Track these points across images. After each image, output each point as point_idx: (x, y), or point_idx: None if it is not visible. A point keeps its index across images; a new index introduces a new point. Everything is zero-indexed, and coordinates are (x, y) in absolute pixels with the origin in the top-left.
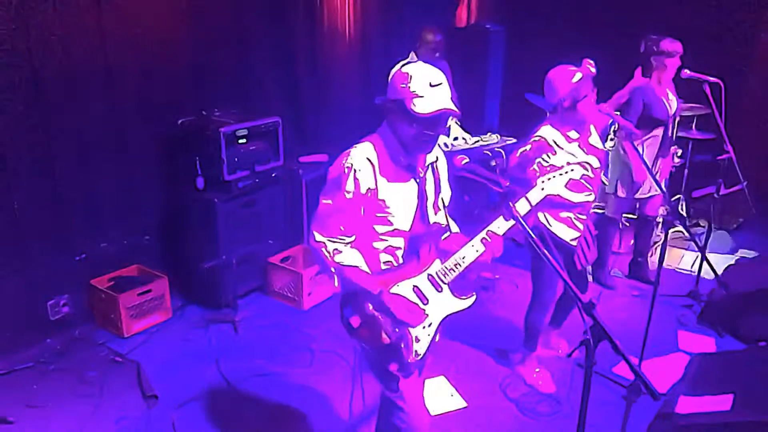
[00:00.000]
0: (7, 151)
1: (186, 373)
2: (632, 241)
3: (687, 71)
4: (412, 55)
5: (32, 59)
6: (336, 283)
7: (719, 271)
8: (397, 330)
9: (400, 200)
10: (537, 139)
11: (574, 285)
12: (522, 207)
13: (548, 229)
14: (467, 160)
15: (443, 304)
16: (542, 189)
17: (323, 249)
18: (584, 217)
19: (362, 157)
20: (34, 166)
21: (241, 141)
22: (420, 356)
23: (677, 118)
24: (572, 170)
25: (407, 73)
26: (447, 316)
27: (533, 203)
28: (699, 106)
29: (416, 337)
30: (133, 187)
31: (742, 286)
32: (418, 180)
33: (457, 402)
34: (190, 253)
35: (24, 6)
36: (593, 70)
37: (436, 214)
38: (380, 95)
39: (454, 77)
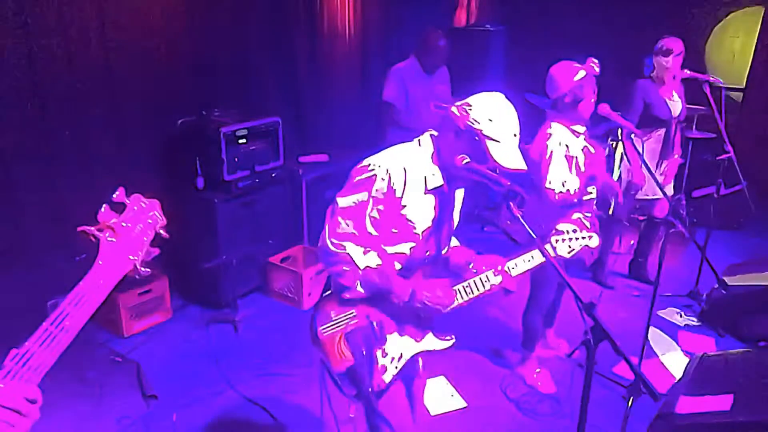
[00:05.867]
0: (7, 151)
1: (186, 373)
2: (632, 241)
3: (687, 71)
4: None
5: (32, 59)
6: (360, 287)
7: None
8: (364, 352)
9: (419, 221)
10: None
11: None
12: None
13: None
14: (468, 159)
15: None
16: (555, 248)
17: (349, 252)
18: (590, 214)
19: (397, 161)
20: (33, 166)
21: (241, 141)
22: (382, 388)
23: (682, 121)
24: (590, 238)
25: (494, 108)
26: (418, 353)
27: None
28: (700, 107)
29: (383, 366)
30: (133, 186)
31: (742, 286)
32: (439, 204)
33: (457, 402)
34: (190, 253)
35: (25, 6)
36: (597, 69)
37: (446, 240)
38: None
39: (454, 77)
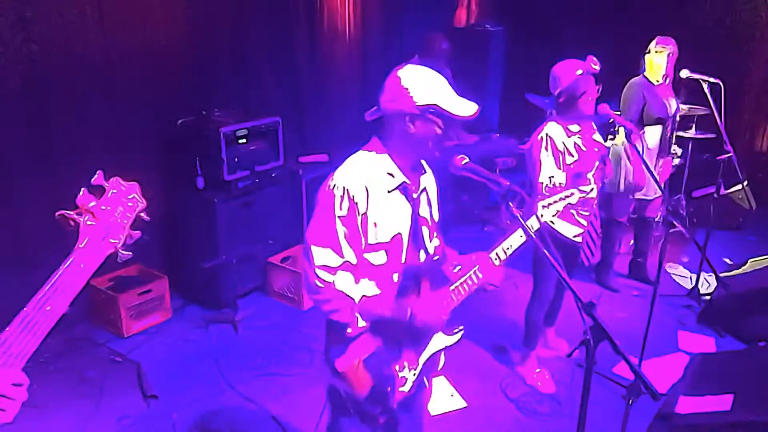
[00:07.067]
0: (7, 151)
1: (186, 373)
2: (632, 242)
3: (687, 71)
4: (416, 59)
5: (32, 59)
6: (361, 323)
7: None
8: (385, 372)
9: (393, 225)
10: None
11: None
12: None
13: (550, 226)
14: (467, 159)
15: (431, 343)
16: (541, 215)
17: (339, 288)
18: (587, 213)
19: (352, 177)
20: (33, 166)
21: (241, 141)
22: (405, 396)
23: (677, 119)
24: (571, 194)
25: (428, 78)
26: (433, 354)
27: (531, 232)
28: (699, 107)
29: (403, 378)
30: None
31: (742, 286)
32: (411, 202)
33: (457, 402)
34: (190, 253)
35: (24, 6)
36: (596, 67)
37: (431, 240)
38: (378, 97)
39: (454, 78)
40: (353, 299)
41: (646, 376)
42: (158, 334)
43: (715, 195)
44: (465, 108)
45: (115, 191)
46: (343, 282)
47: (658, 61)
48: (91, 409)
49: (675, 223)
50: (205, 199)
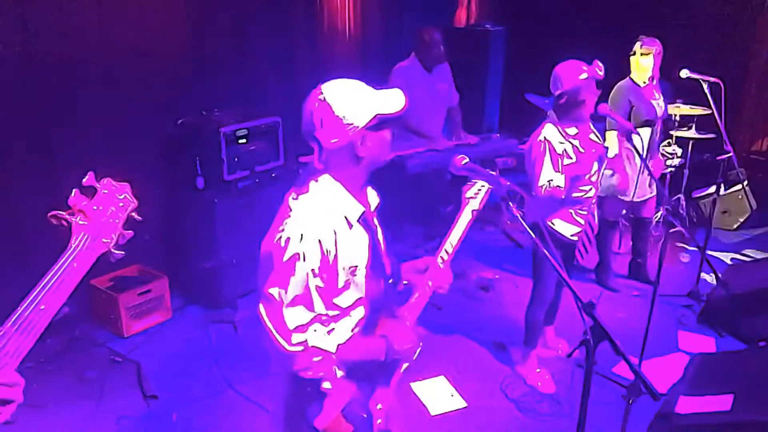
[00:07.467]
0: (7, 151)
1: (186, 373)
2: (632, 242)
3: (687, 71)
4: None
5: (32, 59)
6: (338, 373)
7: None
8: (365, 416)
9: (357, 260)
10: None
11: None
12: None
13: (548, 225)
14: (467, 159)
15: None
16: (472, 209)
17: (313, 344)
18: (585, 212)
19: (318, 223)
20: (33, 165)
21: (241, 141)
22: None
23: (676, 119)
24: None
25: (354, 94)
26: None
27: (532, 233)
28: (699, 107)
29: (379, 412)
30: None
31: (742, 286)
32: (369, 232)
33: (457, 402)
34: (190, 253)
35: (24, 5)
36: (601, 73)
37: (387, 264)
38: (316, 138)
39: (454, 77)
40: (330, 352)
41: (646, 376)
42: (158, 334)
43: (716, 195)
44: (397, 100)
45: (106, 191)
46: (317, 337)
47: (644, 62)
48: (91, 409)
49: (675, 223)
50: (205, 199)
